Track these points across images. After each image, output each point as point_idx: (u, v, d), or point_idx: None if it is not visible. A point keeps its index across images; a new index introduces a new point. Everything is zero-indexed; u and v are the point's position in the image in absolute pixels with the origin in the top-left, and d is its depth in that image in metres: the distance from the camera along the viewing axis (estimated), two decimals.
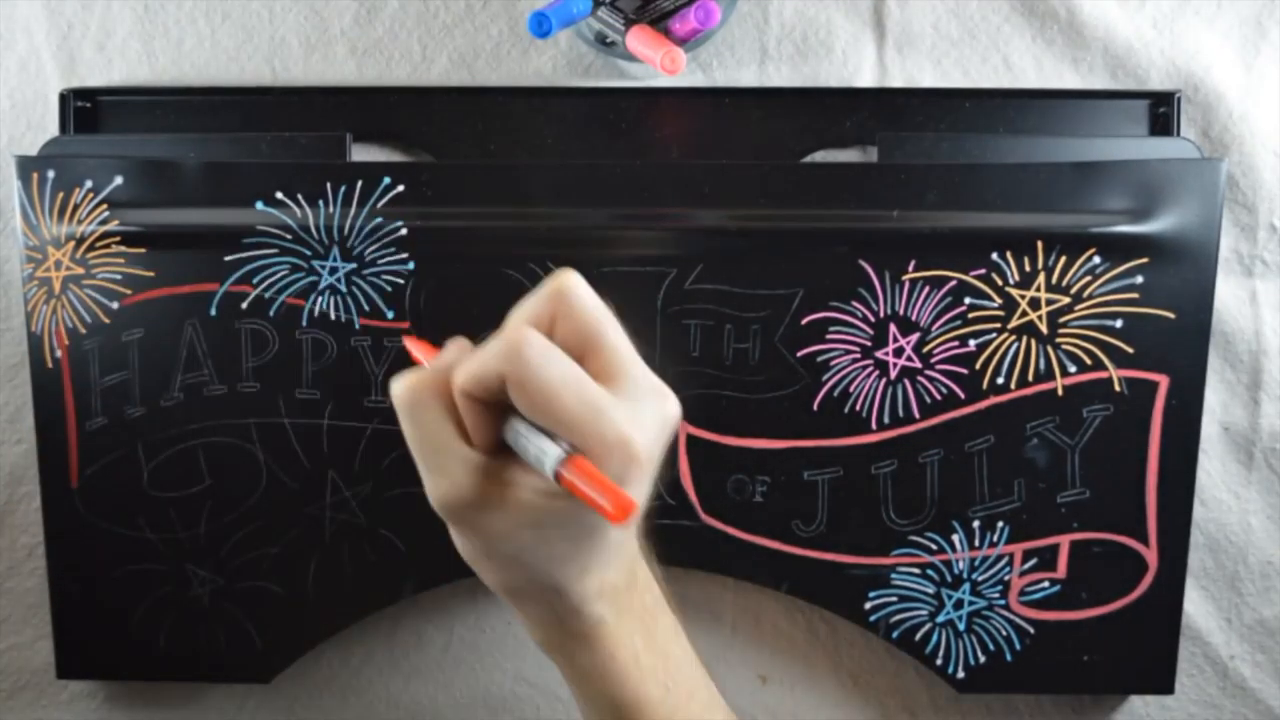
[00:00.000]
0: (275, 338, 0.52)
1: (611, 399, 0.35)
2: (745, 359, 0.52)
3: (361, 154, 0.54)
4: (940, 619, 0.53)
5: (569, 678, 0.41)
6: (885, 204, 0.51)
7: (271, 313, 0.52)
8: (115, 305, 0.52)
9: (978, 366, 0.52)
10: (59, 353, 0.52)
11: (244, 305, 0.52)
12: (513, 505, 0.36)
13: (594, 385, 0.35)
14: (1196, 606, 0.56)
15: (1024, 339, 0.52)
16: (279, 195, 0.51)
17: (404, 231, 0.51)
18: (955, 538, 0.53)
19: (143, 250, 0.51)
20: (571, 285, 0.37)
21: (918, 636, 0.53)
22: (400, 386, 0.36)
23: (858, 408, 0.52)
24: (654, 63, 0.48)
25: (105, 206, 0.51)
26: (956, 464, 0.52)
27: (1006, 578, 0.53)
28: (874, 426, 0.52)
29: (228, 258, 0.51)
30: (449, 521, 0.38)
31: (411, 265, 0.52)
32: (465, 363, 0.36)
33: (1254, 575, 0.56)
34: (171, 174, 0.51)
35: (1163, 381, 0.52)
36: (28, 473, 0.56)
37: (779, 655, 0.57)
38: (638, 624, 0.41)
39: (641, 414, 0.36)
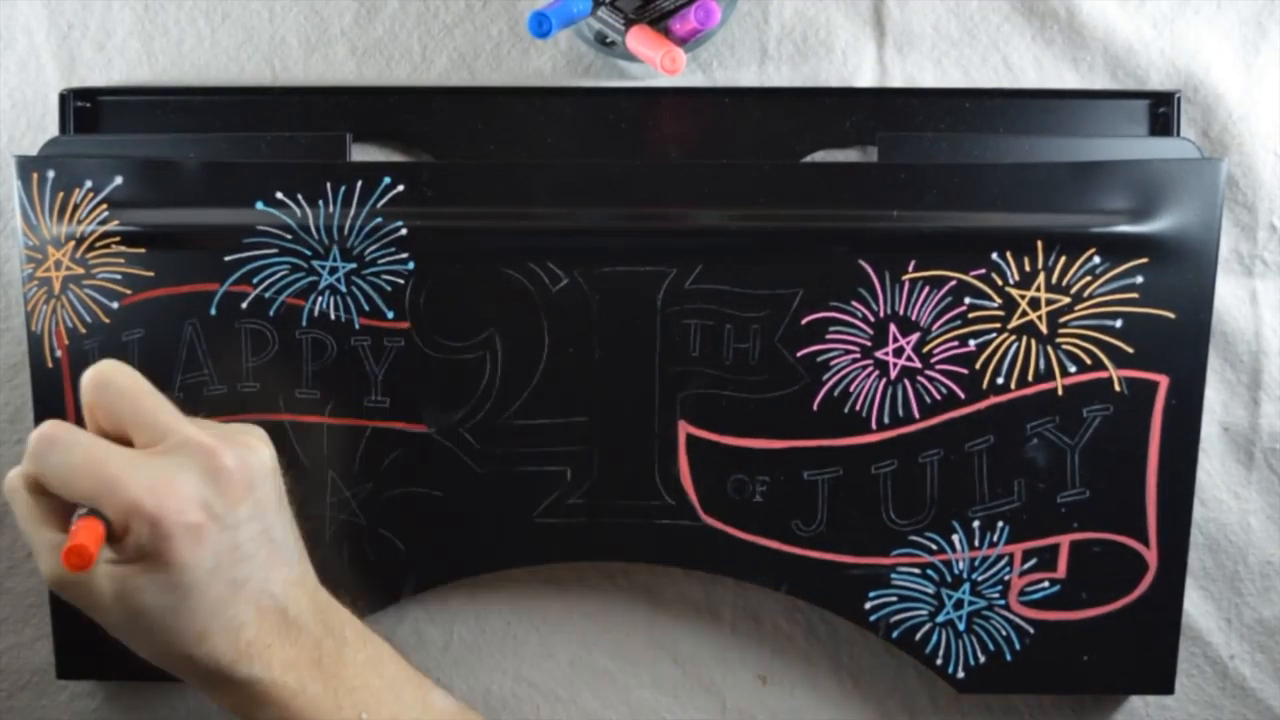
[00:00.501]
0: (275, 338, 0.52)
1: (132, 466, 0.38)
2: (745, 359, 0.52)
3: (361, 154, 0.54)
4: (940, 619, 0.53)
5: None
6: (885, 204, 0.51)
7: (271, 313, 0.52)
8: (115, 305, 0.52)
9: (978, 366, 0.52)
10: (59, 353, 0.52)
11: (244, 305, 0.52)
12: (95, 579, 0.39)
13: (114, 459, 0.38)
14: (1196, 606, 0.56)
15: (1024, 339, 0.52)
16: (279, 195, 0.51)
17: (404, 231, 0.51)
18: (955, 538, 0.53)
19: (143, 250, 0.51)
20: (99, 373, 0.41)
21: (918, 636, 0.53)
22: (4, 483, 0.40)
23: (858, 408, 0.52)
24: (654, 63, 0.48)
25: (105, 206, 0.51)
26: (956, 464, 0.52)
27: (1006, 578, 0.53)
28: (874, 426, 0.52)
29: (228, 258, 0.51)
30: (72, 603, 0.40)
31: (411, 265, 0.52)
32: (14, 480, 0.40)
33: (1254, 575, 0.56)
34: (171, 174, 0.51)
35: (1163, 381, 0.52)
36: None
37: (779, 655, 0.57)
38: (310, 670, 0.42)
39: (172, 476, 0.38)
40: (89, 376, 0.41)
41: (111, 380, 0.41)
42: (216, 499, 0.39)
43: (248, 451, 0.41)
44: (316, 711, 0.41)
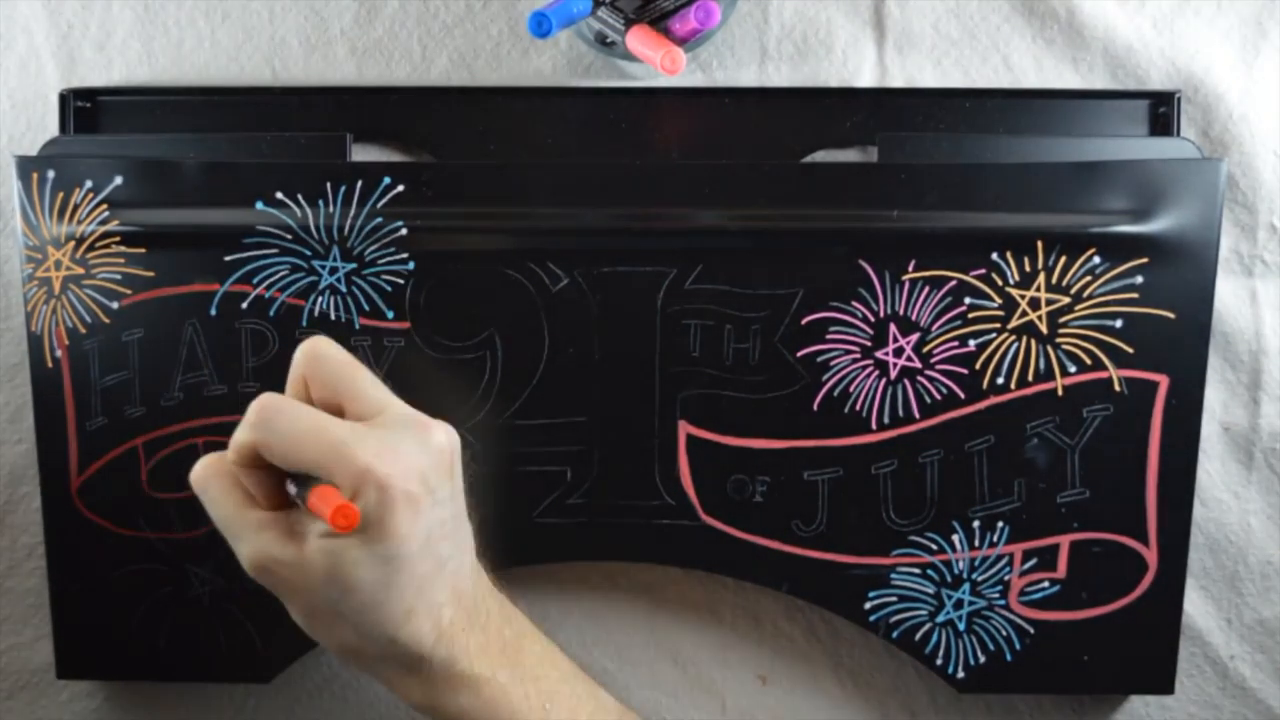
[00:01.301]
0: (275, 338, 0.52)
1: (357, 436, 0.38)
2: (745, 359, 0.52)
3: (361, 154, 0.54)
4: (940, 619, 0.53)
5: None
6: (885, 204, 0.51)
7: (271, 313, 0.52)
8: (115, 305, 0.52)
9: (978, 366, 0.52)
10: (59, 353, 0.52)
11: (244, 305, 0.52)
12: (307, 555, 0.38)
13: (337, 427, 0.39)
14: (1196, 606, 0.56)
15: (1024, 339, 0.52)
16: (279, 195, 0.51)
17: (404, 231, 0.51)
18: (955, 538, 0.53)
19: (143, 250, 0.51)
20: (315, 346, 0.42)
21: (918, 636, 0.53)
22: (193, 473, 0.41)
23: (858, 408, 0.52)
24: (654, 63, 0.48)
25: (105, 206, 0.51)
26: (956, 464, 0.52)
27: (1006, 578, 0.53)
28: (874, 426, 0.52)
29: (228, 258, 0.52)
30: (267, 586, 0.40)
31: (411, 265, 0.52)
32: (230, 449, 0.40)
33: (1254, 575, 0.56)
34: (171, 174, 0.51)
35: (1163, 381, 0.52)
36: (28, 473, 0.56)
37: (779, 655, 0.57)
38: (499, 658, 0.42)
39: (395, 444, 0.39)
40: (305, 349, 0.41)
41: (327, 353, 0.41)
42: (432, 473, 0.39)
43: (452, 432, 0.41)
44: (507, 699, 0.41)
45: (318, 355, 0.41)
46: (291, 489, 0.40)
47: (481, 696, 0.41)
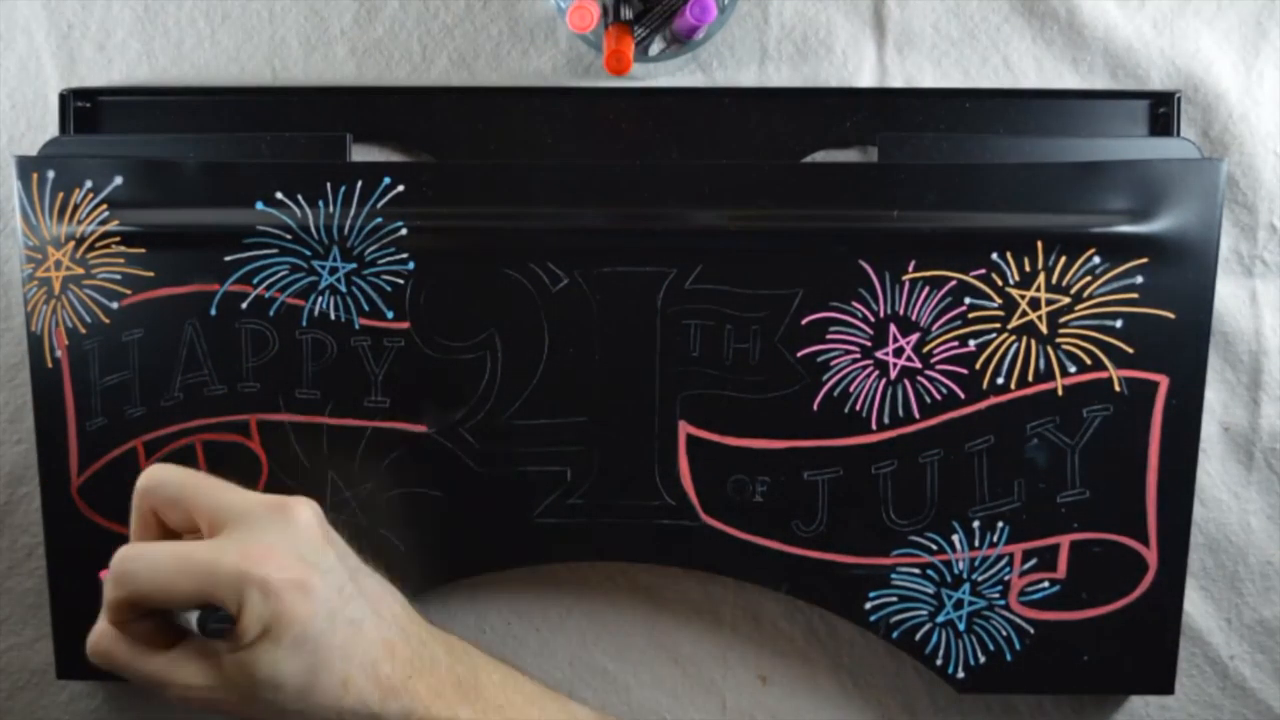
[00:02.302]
0: (275, 338, 0.52)
1: (219, 548, 0.38)
2: (745, 359, 0.52)
3: (361, 154, 0.54)
4: (940, 619, 0.53)
5: None
6: (885, 204, 0.51)
7: (271, 313, 0.52)
8: (115, 305, 0.52)
9: (978, 366, 0.52)
10: (59, 353, 0.52)
11: (244, 305, 0.52)
12: (230, 671, 0.39)
13: (199, 548, 0.39)
14: (1196, 606, 0.56)
15: (1024, 339, 0.52)
16: (279, 195, 0.51)
17: (404, 231, 0.51)
18: (955, 538, 0.53)
19: (143, 250, 0.51)
20: (150, 477, 0.42)
21: (918, 636, 0.53)
22: (89, 649, 0.40)
23: (858, 408, 0.52)
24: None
25: (105, 206, 0.51)
26: (956, 464, 0.52)
27: (1006, 578, 0.53)
28: (874, 426, 0.52)
29: (228, 258, 0.52)
30: (214, 713, 0.40)
31: (411, 265, 0.52)
32: (107, 611, 0.40)
33: (1254, 575, 0.56)
34: (171, 174, 0.51)
35: (1163, 381, 0.52)
36: (28, 473, 0.56)
37: (779, 655, 0.57)
38: (454, 696, 0.42)
39: (258, 540, 0.39)
40: (140, 485, 0.41)
41: (163, 479, 0.41)
42: (306, 549, 0.40)
43: (311, 504, 0.42)
44: None
45: (155, 484, 0.41)
46: (188, 623, 0.39)
47: None
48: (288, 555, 0.39)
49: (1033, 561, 0.53)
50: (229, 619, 0.38)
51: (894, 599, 0.53)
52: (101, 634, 0.40)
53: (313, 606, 0.39)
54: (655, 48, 0.54)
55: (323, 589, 0.39)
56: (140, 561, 0.39)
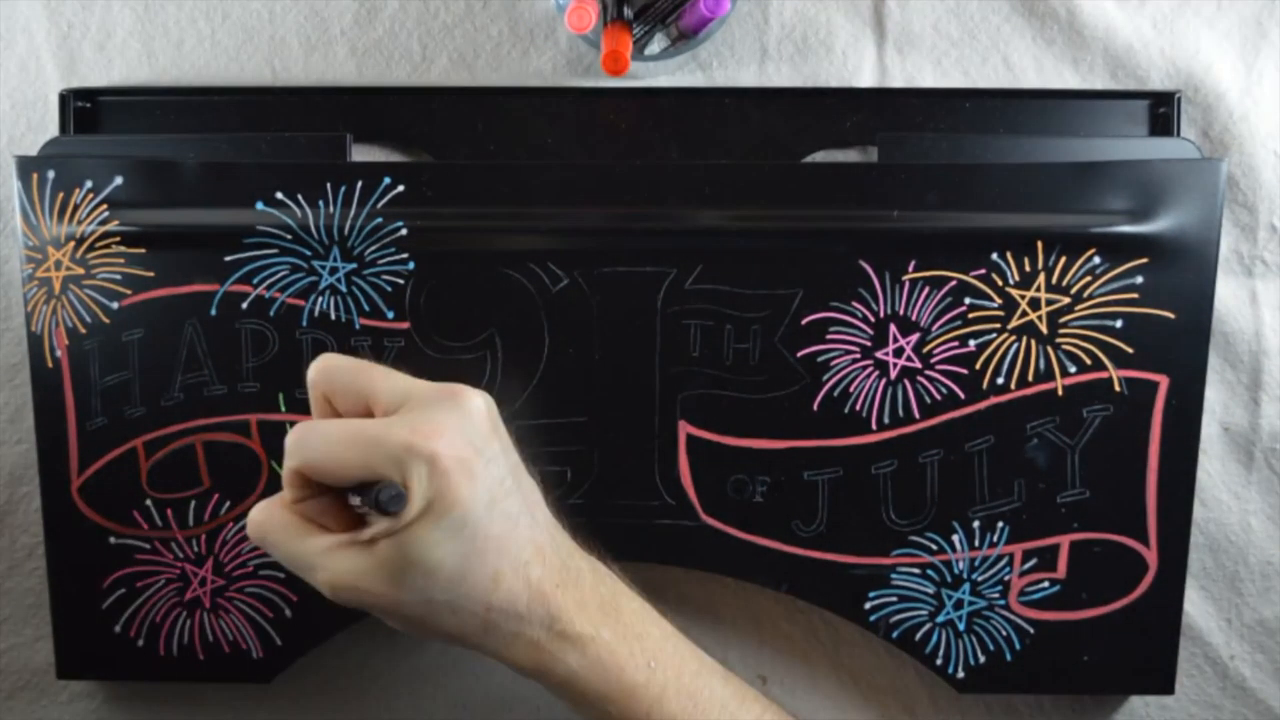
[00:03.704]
0: (275, 338, 0.52)
1: (390, 424, 0.39)
2: (745, 359, 0.52)
3: (361, 154, 0.54)
4: (940, 619, 0.53)
5: (556, 693, 0.42)
6: (885, 204, 0.51)
7: (271, 313, 0.52)
8: (115, 305, 0.52)
9: (978, 366, 0.52)
10: (59, 353, 0.52)
11: (244, 305, 0.52)
12: (385, 555, 0.38)
13: (369, 425, 0.39)
14: (1196, 606, 0.56)
15: (1024, 339, 0.52)
16: (279, 195, 0.51)
17: (404, 231, 0.51)
18: (955, 538, 0.53)
19: (143, 250, 0.51)
20: (323, 362, 0.42)
21: (918, 636, 0.53)
22: (249, 523, 0.41)
23: (858, 408, 0.52)
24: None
25: (105, 206, 0.51)
26: (956, 464, 0.52)
27: (1006, 578, 0.53)
28: (874, 426, 0.52)
29: (228, 258, 0.52)
30: (357, 605, 0.40)
31: (411, 265, 0.52)
32: (284, 485, 0.41)
33: (1254, 575, 0.56)
34: (171, 174, 0.51)
35: (1163, 381, 0.52)
36: (28, 473, 0.56)
37: (779, 655, 0.57)
38: (598, 615, 0.41)
39: (428, 418, 0.39)
40: (315, 368, 0.42)
41: (337, 364, 0.42)
42: (475, 434, 0.39)
43: (484, 395, 0.41)
44: (614, 657, 0.41)
45: (329, 369, 0.42)
46: (355, 501, 0.40)
47: (588, 655, 0.40)
48: (456, 436, 0.38)
49: (1033, 561, 0.53)
50: (402, 494, 0.37)
51: (894, 599, 0.53)
52: (264, 509, 0.41)
53: (474, 490, 0.38)
54: (656, 47, 0.54)
55: (485, 476, 0.39)
56: (314, 432, 0.39)
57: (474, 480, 0.38)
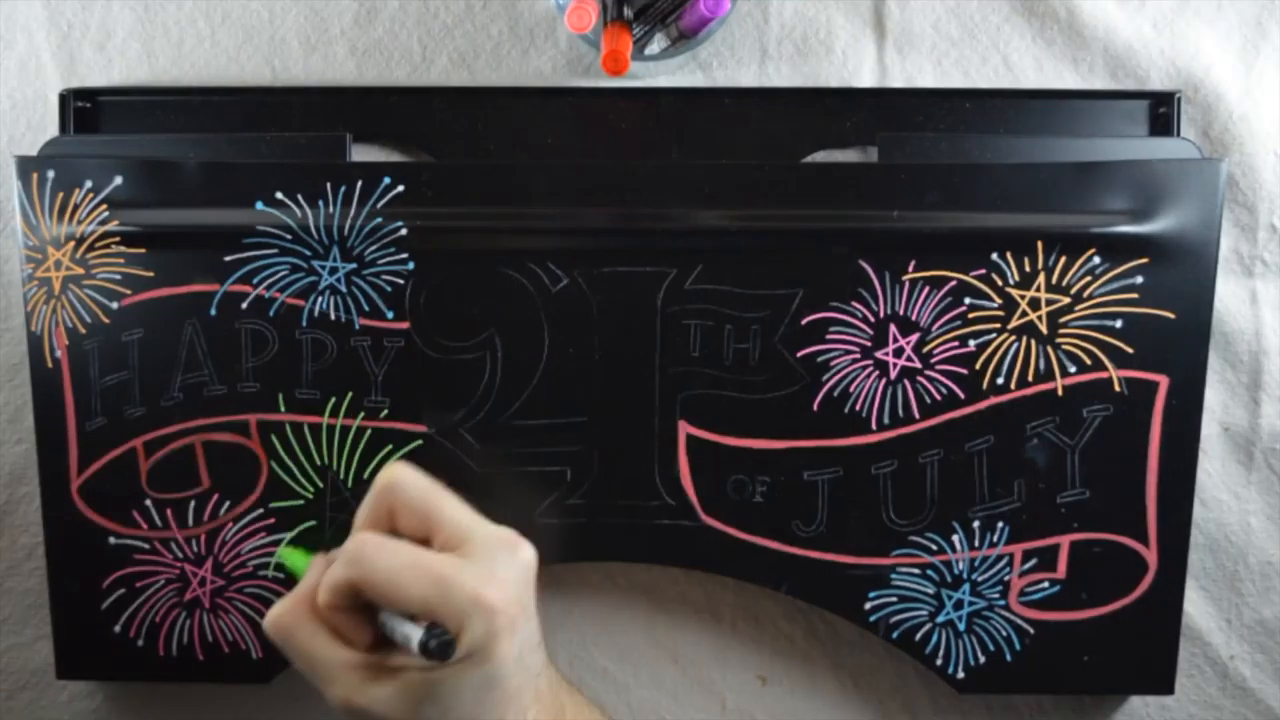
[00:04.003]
0: (275, 338, 0.52)
1: (458, 565, 0.38)
2: (745, 359, 0.52)
3: (361, 154, 0.54)
4: (940, 619, 0.53)
5: None
6: (885, 204, 0.51)
7: (271, 313, 0.52)
8: (115, 305, 0.52)
9: (978, 367, 0.52)
10: (59, 353, 0.52)
11: (244, 305, 0.52)
12: (407, 687, 0.38)
13: (437, 560, 0.38)
14: (1196, 606, 0.56)
15: (1024, 339, 0.52)
16: (279, 195, 0.51)
17: (404, 231, 0.51)
18: (955, 538, 0.53)
19: (142, 250, 0.51)
20: (397, 476, 0.41)
21: (918, 636, 0.53)
22: (269, 621, 0.40)
23: (858, 408, 0.52)
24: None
25: (105, 206, 0.51)
26: (956, 464, 0.52)
27: (1006, 578, 0.53)
28: (874, 427, 0.52)
29: (228, 258, 0.51)
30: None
31: (411, 265, 0.52)
32: (322, 580, 0.39)
33: (1254, 575, 0.56)
34: (171, 174, 0.51)
35: (1163, 381, 0.52)
36: (28, 473, 0.56)
37: (779, 655, 0.57)
38: None
39: (492, 569, 0.39)
40: (387, 480, 0.41)
41: (411, 482, 0.41)
42: (524, 590, 0.40)
43: (530, 546, 0.41)
44: None
45: (400, 485, 0.41)
46: (386, 628, 0.39)
47: None
48: (512, 591, 0.39)
49: (1033, 561, 0.53)
50: (452, 643, 0.37)
51: (894, 599, 0.53)
52: (290, 610, 0.40)
53: (511, 647, 0.38)
54: (656, 47, 0.54)
55: (523, 633, 0.39)
56: (382, 550, 0.38)
57: (515, 637, 0.39)
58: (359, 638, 0.40)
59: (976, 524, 0.53)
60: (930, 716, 0.57)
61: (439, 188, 0.51)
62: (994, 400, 0.52)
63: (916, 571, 0.53)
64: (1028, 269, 0.51)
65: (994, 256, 0.51)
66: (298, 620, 0.40)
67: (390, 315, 0.52)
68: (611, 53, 0.49)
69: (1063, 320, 0.51)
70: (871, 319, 0.52)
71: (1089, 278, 0.51)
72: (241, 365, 0.52)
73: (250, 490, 0.53)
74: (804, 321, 0.52)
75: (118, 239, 0.51)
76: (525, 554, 0.40)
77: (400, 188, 0.51)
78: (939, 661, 0.53)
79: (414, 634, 0.37)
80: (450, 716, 0.39)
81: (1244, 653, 0.56)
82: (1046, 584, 0.53)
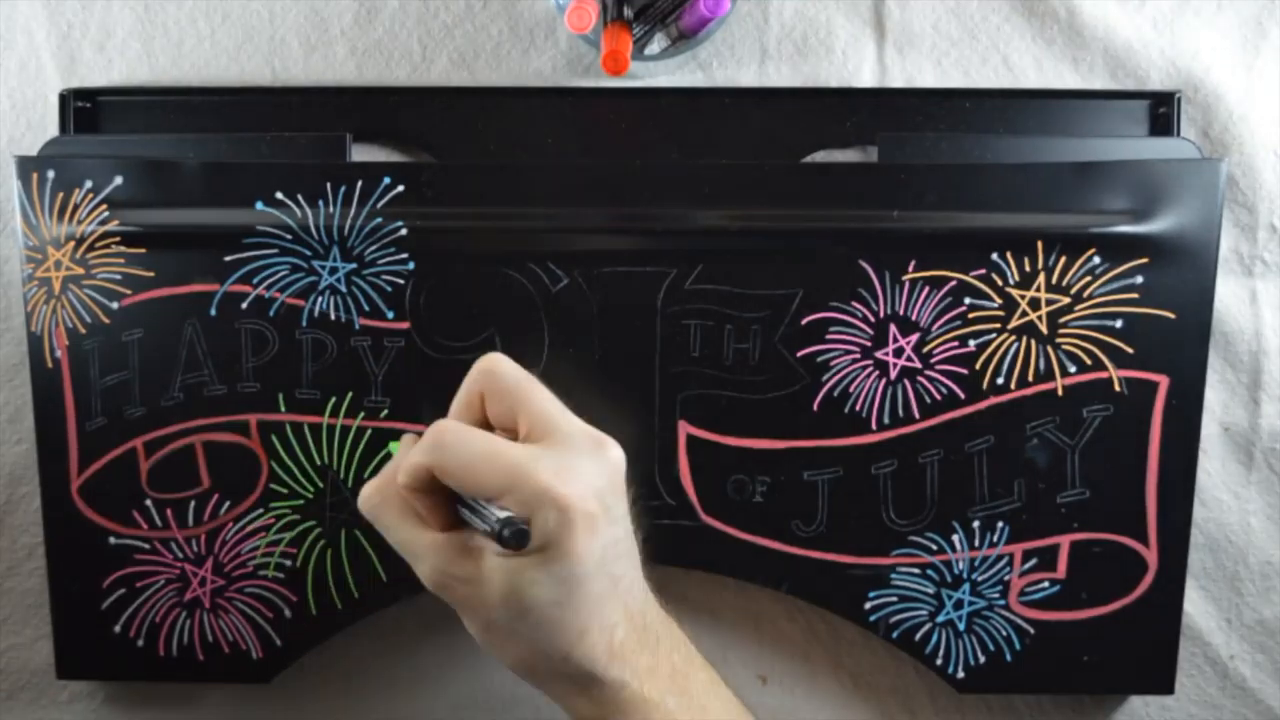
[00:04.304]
0: (275, 338, 0.52)
1: (534, 458, 0.38)
2: (745, 359, 0.52)
3: (361, 154, 0.54)
4: (940, 619, 0.53)
5: None
6: (885, 204, 0.51)
7: (271, 313, 0.52)
8: (115, 305, 0.52)
9: (978, 366, 0.52)
10: (59, 353, 0.52)
11: (244, 305, 0.52)
12: (485, 574, 0.39)
13: (515, 450, 0.39)
14: (1196, 606, 0.56)
15: (1024, 339, 0.52)
16: (279, 195, 0.51)
17: (404, 231, 0.51)
18: (955, 538, 0.53)
19: (143, 250, 0.51)
20: (492, 363, 0.41)
21: (918, 636, 0.53)
22: (362, 497, 0.41)
23: (858, 408, 0.52)
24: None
25: (105, 206, 0.51)
26: (956, 464, 0.52)
27: (1006, 578, 0.53)
28: (874, 426, 0.52)
29: (228, 258, 0.51)
30: (448, 601, 0.40)
31: (411, 265, 0.52)
32: (403, 464, 0.40)
33: (1254, 575, 0.56)
34: (171, 174, 0.51)
35: (1163, 381, 0.52)
36: (28, 473, 0.56)
37: (779, 655, 0.57)
38: (668, 683, 0.41)
39: (572, 464, 0.39)
40: (483, 366, 0.41)
41: (505, 371, 0.41)
42: (608, 492, 0.39)
43: (619, 449, 0.41)
44: None
45: (494, 371, 0.41)
46: (466, 513, 0.40)
47: None
48: (591, 489, 0.38)
49: (1033, 561, 0.53)
50: (526, 532, 0.37)
51: (894, 599, 0.53)
52: (379, 488, 0.41)
53: (591, 547, 0.38)
54: (656, 47, 0.54)
55: (605, 534, 0.39)
56: (460, 438, 0.39)
57: (594, 537, 0.38)
58: (439, 521, 0.40)
59: (976, 524, 0.53)
60: (930, 716, 0.57)
61: (439, 188, 0.51)
62: (994, 400, 0.52)
63: (916, 571, 0.53)
64: (1028, 269, 0.51)
65: (994, 256, 0.51)
66: (386, 500, 0.41)
67: (390, 315, 0.52)
68: (611, 53, 0.49)
69: (1063, 320, 0.51)
70: (871, 319, 0.52)
71: (1089, 278, 0.51)
72: (242, 365, 0.52)
73: (250, 490, 0.53)
74: (804, 321, 0.52)
75: (118, 239, 0.51)
76: (612, 454, 0.40)
77: (400, 188, 0.51)
78: (939, 661, 0.53)
79: (490, 520, 0.37)
80: (530, 614, 0.38)
81: (1244, 653, 0.56)
82: (1046, 584, 0.53)
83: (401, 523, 0.40)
